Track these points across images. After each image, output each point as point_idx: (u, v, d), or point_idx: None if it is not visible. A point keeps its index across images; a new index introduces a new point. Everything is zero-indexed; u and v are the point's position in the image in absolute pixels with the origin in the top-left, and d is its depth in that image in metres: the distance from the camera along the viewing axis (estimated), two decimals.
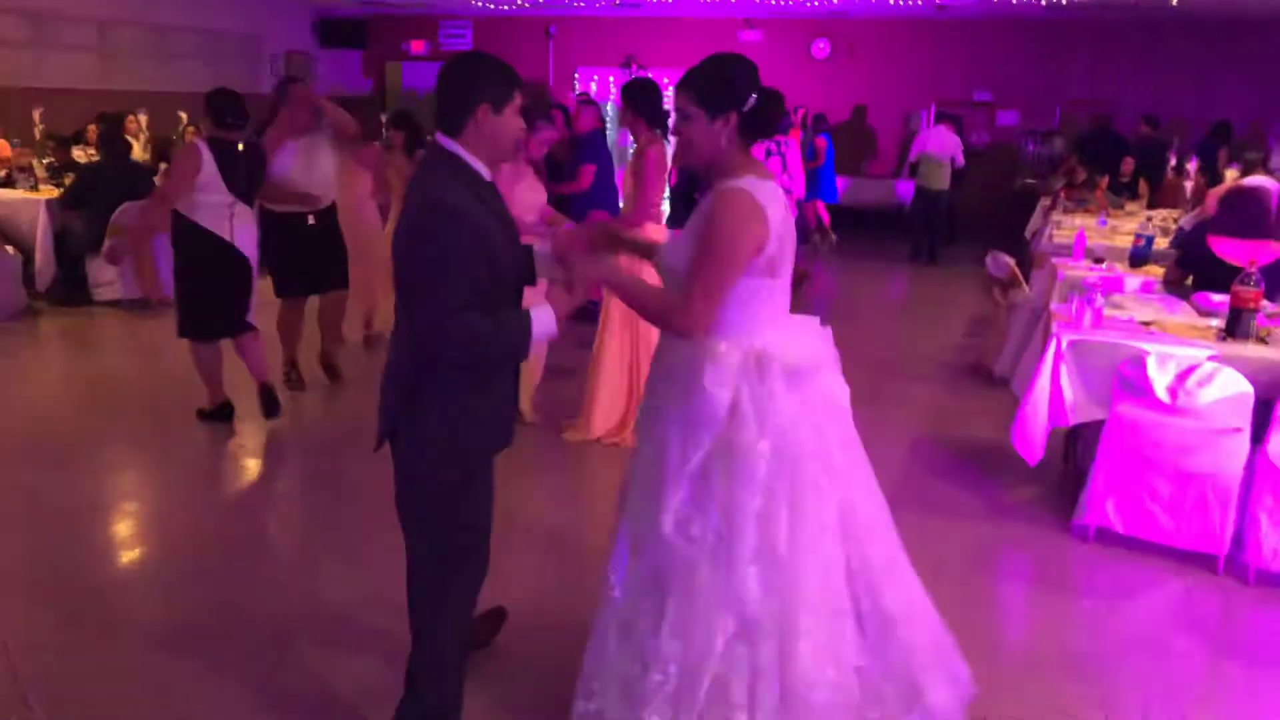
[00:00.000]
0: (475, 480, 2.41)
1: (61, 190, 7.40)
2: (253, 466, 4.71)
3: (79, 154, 8.99)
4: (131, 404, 5.35)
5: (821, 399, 2.41)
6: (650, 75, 13.90)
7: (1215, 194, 6.39)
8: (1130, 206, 9.34)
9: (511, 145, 2.36)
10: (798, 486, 2.29)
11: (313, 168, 5.25)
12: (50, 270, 7.22)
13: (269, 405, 5.06)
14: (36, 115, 9.52)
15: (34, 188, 7.50)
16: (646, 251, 2.71)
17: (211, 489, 4.37)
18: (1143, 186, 9.89)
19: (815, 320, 2.52)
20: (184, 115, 10.60)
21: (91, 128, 9.32)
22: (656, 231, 4.54)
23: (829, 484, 2.35)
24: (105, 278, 7.28)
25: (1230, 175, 8.32)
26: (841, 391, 2.48)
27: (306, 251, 5.35)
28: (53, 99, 10.11)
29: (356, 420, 5.27)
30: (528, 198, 4.64)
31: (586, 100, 7.02)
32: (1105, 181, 9.90)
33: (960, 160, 10.88)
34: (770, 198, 2.28)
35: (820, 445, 2.35)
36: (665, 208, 5.11)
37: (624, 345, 4.80)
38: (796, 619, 2.26)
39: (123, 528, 3.93)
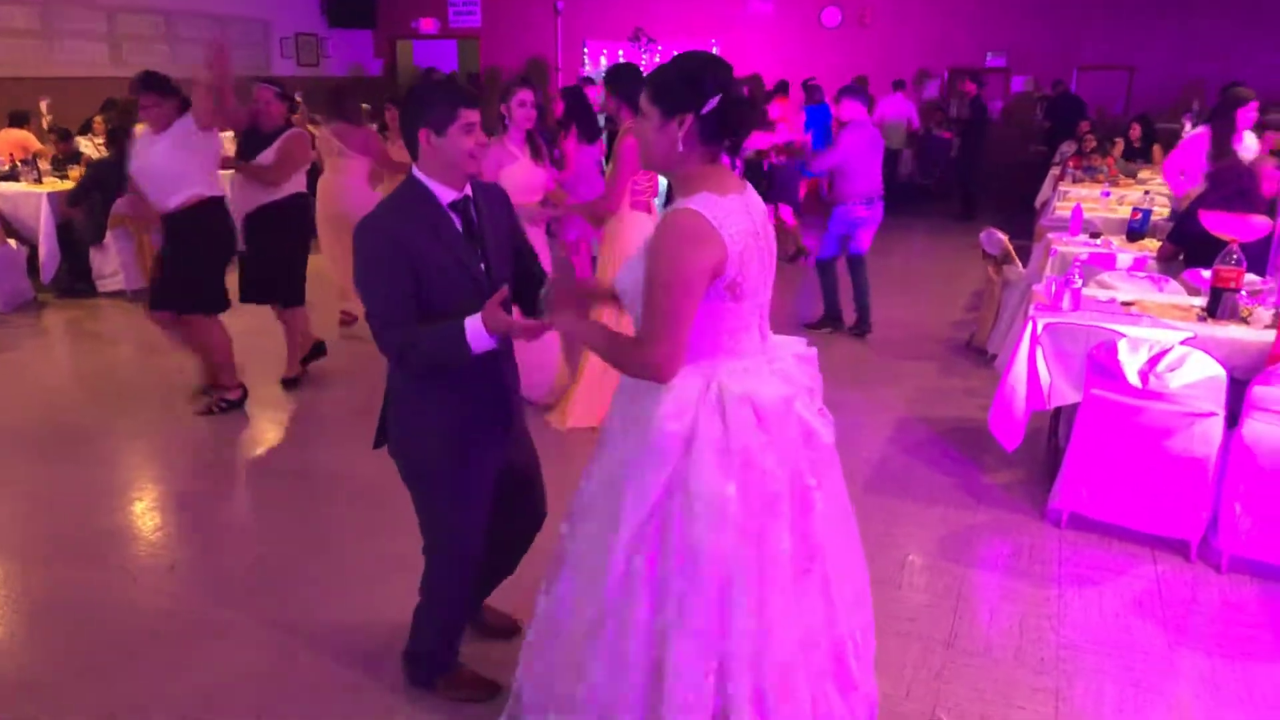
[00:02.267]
0: (456, 473, 2.56)
1: (68, 183, 7.51)
2: (259, 456, 4.78)
3: (86, 144, 9.09)
4: (136, 394, 5.44)
5: (793, 436, 2.20)
6: (659, 49, 13.83)
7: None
8: (1145, 173, 9.15)
9: (464, 162, 2.42)
10: (766, 527, 2.12)
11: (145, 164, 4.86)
12: (55, 262, 7.34)
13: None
14: (44, 105, 9.64)
15: (38, 180, 7.60)
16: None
17: (216, 479, 4.44)
18: (1156, 153, 9.68)
19: (799, 342, 2.37)
20: None
21: (98, 119, 9.41)
22: (640, 219, 4.59)
23: (805, 526, 2.21)
24: (108, 269, 7.39)
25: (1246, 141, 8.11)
26: (822, 426, 2.28)
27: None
28: (62, 87, 10.22)
29: (359, 410, 5.34)
30: (520, 179, 4.63)
31: (587, 81, 6.95)
32: (1119, 148, 9.71)
33: (916, 123, 12.15)
34: (729, 214, 2.06)
35: (792, 486, 2.18)
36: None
37: None
38: (765, 665, 2.15)
39: (126, 519, 4.01)
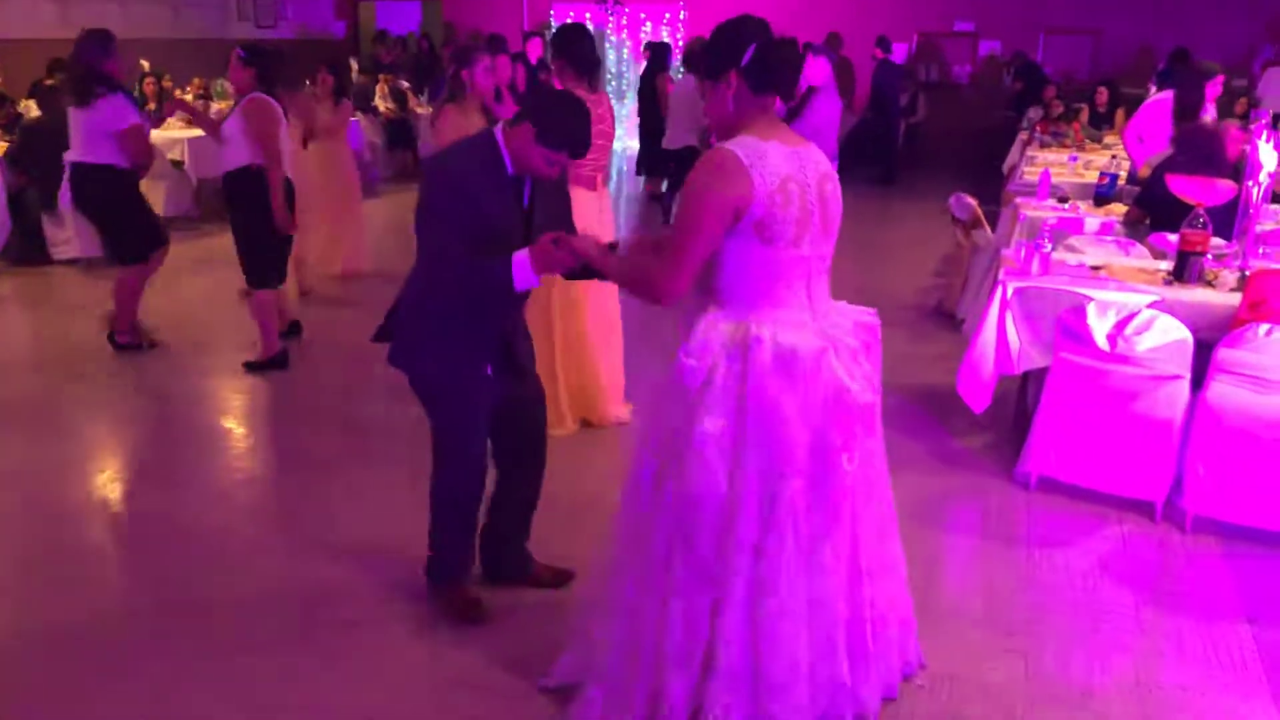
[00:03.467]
0: (464, 393, 2.80)
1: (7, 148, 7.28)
2: (216, 424, 4.69)
3: (35, 108, 8.79)
4: (91, 362, 5.29)
5: (820, 391, 2.22)
6: (626, 11, 13.63)
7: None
8: (1111, 138, 9.20)
9: (530, 168, 2.64)
10: (775, 479, 2.20)
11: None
12: (6, 230, 7.11)
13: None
14: None
15: None
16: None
17: (173, 451, 4.36)
18: (1120, 118, 9.72)
19: (865, 311, 2.46)
20: (145, 64, 10.34)
21: (47, 81, 9.10)
22: (582, 196, 4.20)
23: (831, 493, 2.26)
24: (62, 236, 7.18)
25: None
26: (857, 385, 2.27)
27: None
28: (10, 49, 9.87)
29: (293, 380, 5.26)
30: None
31: (533, 33, 6.76)
32: (1085, 114, 9.76)
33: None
34: (765, 156, 2.16)
35: (816, 444, 2.22)
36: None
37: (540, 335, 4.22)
38: (761, 612, 2.25)
39: (81, 493, 3.92)
